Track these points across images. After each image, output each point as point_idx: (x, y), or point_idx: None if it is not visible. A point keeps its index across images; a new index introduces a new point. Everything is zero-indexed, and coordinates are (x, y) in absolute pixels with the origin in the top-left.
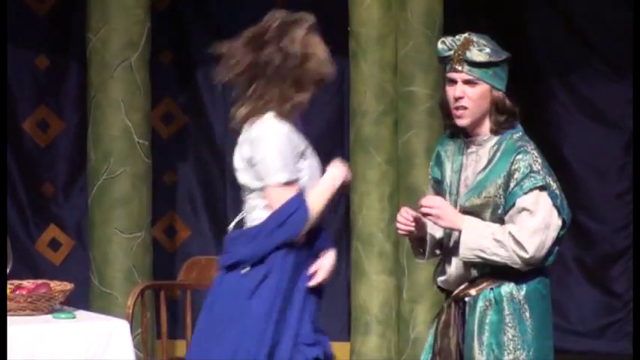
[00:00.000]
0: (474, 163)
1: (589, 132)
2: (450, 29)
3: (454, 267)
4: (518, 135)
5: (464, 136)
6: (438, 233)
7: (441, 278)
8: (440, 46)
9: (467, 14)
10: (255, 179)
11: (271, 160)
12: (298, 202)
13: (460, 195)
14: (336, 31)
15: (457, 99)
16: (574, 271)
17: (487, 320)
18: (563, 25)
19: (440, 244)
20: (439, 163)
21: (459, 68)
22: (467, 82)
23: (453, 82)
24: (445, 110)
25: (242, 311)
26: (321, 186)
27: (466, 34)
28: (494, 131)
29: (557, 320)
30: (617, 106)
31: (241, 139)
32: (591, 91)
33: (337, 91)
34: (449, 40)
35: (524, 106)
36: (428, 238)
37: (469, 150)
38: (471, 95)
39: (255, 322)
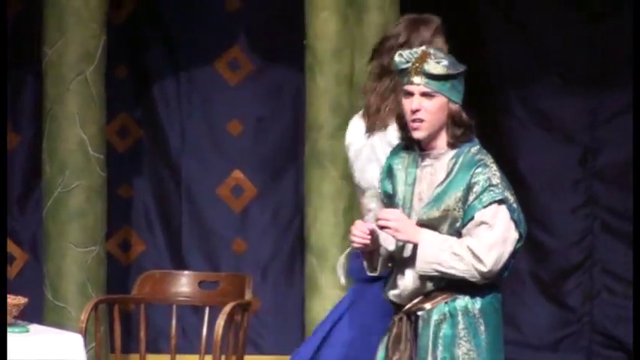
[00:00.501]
0: (430, 177)
1: (544, 145)
2: None
3: (408, 280)
4: (476, 148)
5: (419, 149)
6: (391, 246)
7: (393, 292)
8: (397, 59)
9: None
10: None
11: None
12: None
13: (414, 208)
14: (292, 44)
15: (414, 111)
16: (529, 285)
17: (441, 334)
18: (518, 38)
19: (391, 257)
20: (391, 176)
21: (417, 81)
22: (424, 94)
23: (410, 94)
24: (400, 123)
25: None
26: None
27: (423, 47)
28: (451, 144)
29: (513, 334)
30: (573, 120)
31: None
32: (547, 105)
33: (293, 105)
34: (406, 52)
35: (480, 119)
36: (381, 251)
37: (424, 163)
38: (428, 108)
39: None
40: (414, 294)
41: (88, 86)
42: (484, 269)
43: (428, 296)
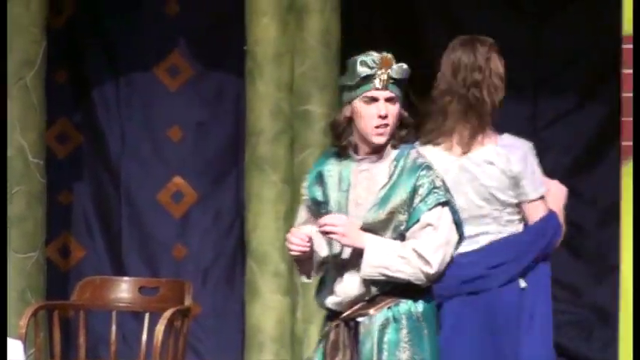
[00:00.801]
0: (367, 181)
1: None
2: (347, 48)
3: (351, 286)
4: (415, 151)
5: (354, 154)
6: (323, 252)
7: (333, 299)
8: (360, 68)
9: (364, 32)
10: (514, 195)
11: (538, 174)
12: (554, 215)
13: (350, 214)
14: (233, 49)
15: (383, 117)
16: None
17: (386, 339)
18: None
19: (323, 263)
20: (321, 183)
21: (382, 86)
22: (388, 99)
23: (374, 100)
24: (337, 130)
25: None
26: (558, 204)
27: (384, 53)
28: (394, 146)
29: None
30: (515, 125)
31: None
32: None
33: (233, 110)
34: (368, 59)
35: (421, 121)
36: (314, 257)
37: (360, 168)
38: (392, 113)
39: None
40: (356, 300)
41: (28, 92)
42: (431, 271)
43: (371, 302)
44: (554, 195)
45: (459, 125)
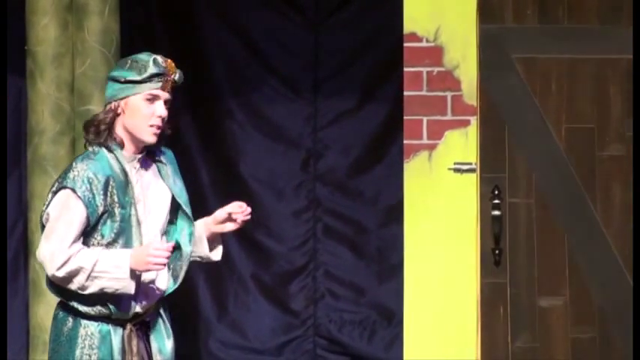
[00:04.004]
0: (142, 180)
1: (266, 150)
2: (126, 48)
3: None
4: (162, 149)
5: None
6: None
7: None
8: (153, 65)
9: (143, 33)
10: None
11: None
12: None
13: (143, 218)
14: (14, 50)
15: (162, 118)
16: (252, 289)
17: (164, 328)
18: (239, 43)
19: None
20: (99, 188)
21: (168, 88)
22: (166, 102)
23: (156, 98)
24: (99, 128)
25: None
26: None
27: (169, 60)
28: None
29: (237, 339)
30: (295, 125)
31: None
32: (269, 110)
33: (15, 111)
34: (160, 59)
35: (201, 124)
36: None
37: (133, 166)
38: (165, 116)
39: None
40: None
41: None
42: None
43: (159, 300)
44: None
45: None
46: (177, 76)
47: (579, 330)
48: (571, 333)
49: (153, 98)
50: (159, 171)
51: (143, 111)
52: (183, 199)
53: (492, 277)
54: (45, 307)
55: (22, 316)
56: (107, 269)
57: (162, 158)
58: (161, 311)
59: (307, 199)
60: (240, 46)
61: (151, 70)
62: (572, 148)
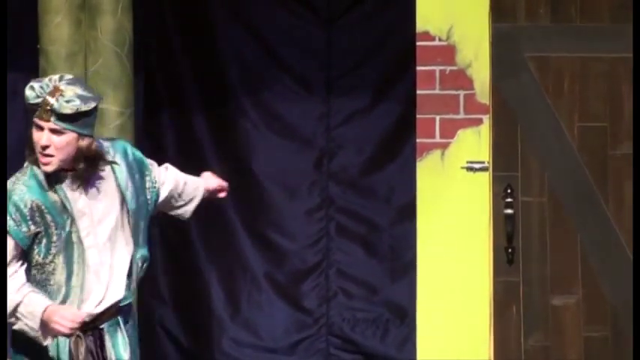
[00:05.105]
0: (86, 191)
1: (279, 149)
2: (140, 46)
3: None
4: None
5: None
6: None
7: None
8: (28, 92)
9: (157, 32)
10: None
11: None
12: None
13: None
14: (26, 49)
15: (44, 147)
16: (265, 288)
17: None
18: (253, 42)
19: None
20: (31, 215)
21: (46, 118)
22: (53, 131)
23: (41, 128)
24: (29, 147)
25: None
26: None
27: (56, 81)
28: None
29: (249, 337)
30: (308, 123)
31: None
32: (282, 109)
33: (27, 110)
34: (37, 86)
35: (215, 123)
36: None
37: (75, 184)
38: (57, 144)
39: None
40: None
41: None
42: None
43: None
44: None
45: None
46: (57, 105)
47: (592, 329)
48: (584, 332)
49: (38, 127)
50: (113, 172)
51: (34, 138)
52: (132, 207)
53: (505, 276)
54: None
55: None
56: (24, 313)
57: (116, 158)
58: (121, 324)
59: (320, 198)
60: (254, 45)
61: (27, 97)
62: (584, 147)
